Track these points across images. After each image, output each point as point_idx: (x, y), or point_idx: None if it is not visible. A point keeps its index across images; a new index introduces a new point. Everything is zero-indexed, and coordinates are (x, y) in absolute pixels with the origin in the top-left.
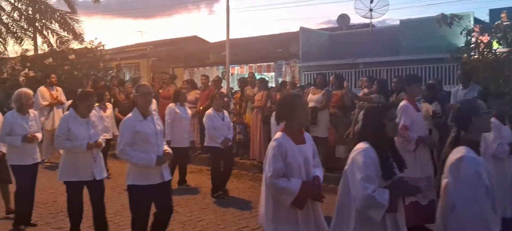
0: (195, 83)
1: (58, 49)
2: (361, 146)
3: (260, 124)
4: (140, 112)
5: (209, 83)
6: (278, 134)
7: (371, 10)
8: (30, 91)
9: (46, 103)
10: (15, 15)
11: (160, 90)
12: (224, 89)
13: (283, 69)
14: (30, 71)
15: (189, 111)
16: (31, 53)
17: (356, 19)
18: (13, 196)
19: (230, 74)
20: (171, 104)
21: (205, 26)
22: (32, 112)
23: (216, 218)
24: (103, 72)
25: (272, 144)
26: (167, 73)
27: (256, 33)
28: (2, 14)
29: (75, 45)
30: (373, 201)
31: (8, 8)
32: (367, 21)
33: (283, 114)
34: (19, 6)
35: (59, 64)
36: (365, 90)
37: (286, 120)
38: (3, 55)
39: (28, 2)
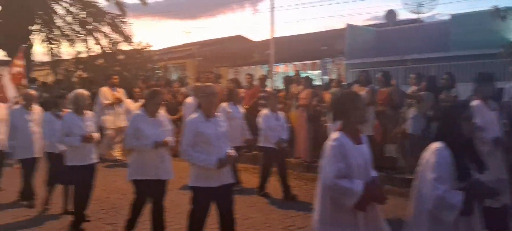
0: (240, 82)
1: (108, 51)
2: (436, 145)
3: (305, 122)
4: (203, 113)
5: (254, 82)
6: (336, 133)
7: (419, 5)
8: (86, 93)
9: (107, 102)
10: (69, 18)
11: None
12: (269, 88)
13: (328, 67)
14: (83, 72)
15: (242, 110)
16: (83, 55)
17: (404, 14)
18: (73, 197)
19: (274, 72)
20: (224, 104)
21: (249, 25)
22: (88, 112)
23: (262, 216)
24: (150, 72)
25: (331, 143)
26: (212, 72)
27: (301, 31)
28: (56, 18)
29: (124, 46)
30: (444, 202)
31: (62, 12)
32: (416, 16)
33: (340, 113)
34: (73, 10)
35: (110, 65)
36: (414, 87)
37: (343, 119)
38: (58, 57)
39: (80, 6)
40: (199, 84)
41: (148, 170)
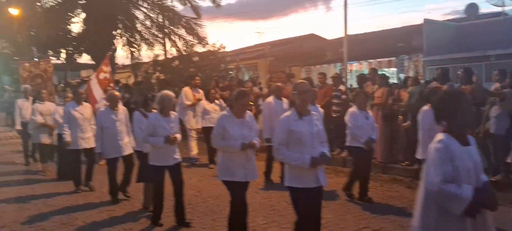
0: (312, 81)
1: (184, 53)
2: None
3: (381, 121)
4: (296, 111)
5: (326, 81)
6: (441, 135)
7: None
8: (172, 94)
9: (189, 103)
10: (148, 23)
11: None
12: (342, 86)
13: (405, 64)
14: (161, 74)
15: (321, 110)
16: (161, 57)
17: (486, 8)
18: (153, 195)
19: (348, 71)
20: None
21: (322, 23)
22: (173, 113)
23: (336, 217)
24: (223, 73)
25: (436, 145)
26: (284, 72)
27: (375, 28)
28: (136, 23)
29: (199, 48)
30: None
31: (141, 16)
32: (499, 9)
33: (445, 113)
34: (151, 14)
35: (185, 66)
36: (497, 84)
37: (448, 120)
38: (138, 60)
39: (158, 10)
40: (280, 84)
41: (235, 171)
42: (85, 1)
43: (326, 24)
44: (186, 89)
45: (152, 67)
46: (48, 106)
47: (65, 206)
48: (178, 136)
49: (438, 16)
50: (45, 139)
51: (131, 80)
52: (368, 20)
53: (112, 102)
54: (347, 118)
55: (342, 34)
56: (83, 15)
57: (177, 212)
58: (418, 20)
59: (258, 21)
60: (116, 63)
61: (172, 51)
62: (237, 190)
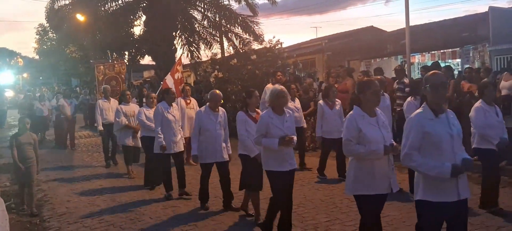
0: (371, 74)
1: (241, 51)
2: None
3: None
4: (430, 108)
5: (384, 75)
6: None
7: None
8: (283, 89)
9: None
10: (205, 23)
11: (336, 85)
12: (406, 79)
13: (470, 55)
14: (219, 73)
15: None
16: (219, 56)
17: None
18: (268, 203)
19: (410, 63)
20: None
21: (381, 15)
22: (287, 111)
23: (400, 214)
24: (281, 69)
25: None
26: (343, 66)
27: (438, 18)
28: (194, 23)
29: (255, 45)
30: None
31: (199, 17)
32: None
33: None
34: (208, 14)
35: (243, 64)
36: None
37: None
38: (197, 59)
39: (215, 10)
40: (381, 77)
41: (378, 182)
42: (145, 4)
43: (385, 16)
44: (270, 86)
45: (210, 66)
46: (132, 107)
47: (159, 214)
48: (294, 137)
49: (504, 3)
50: (129, 141)
51: (191, 80)
52: (429, 10)
53: (213, 103)
54: (473, 114)
55: (402, 26)
56: (144, 17)
57: (281, 227)
58: (483, 9)
59: (315, 16)
60: None
61: (230, 50)
62: (374, 205)
